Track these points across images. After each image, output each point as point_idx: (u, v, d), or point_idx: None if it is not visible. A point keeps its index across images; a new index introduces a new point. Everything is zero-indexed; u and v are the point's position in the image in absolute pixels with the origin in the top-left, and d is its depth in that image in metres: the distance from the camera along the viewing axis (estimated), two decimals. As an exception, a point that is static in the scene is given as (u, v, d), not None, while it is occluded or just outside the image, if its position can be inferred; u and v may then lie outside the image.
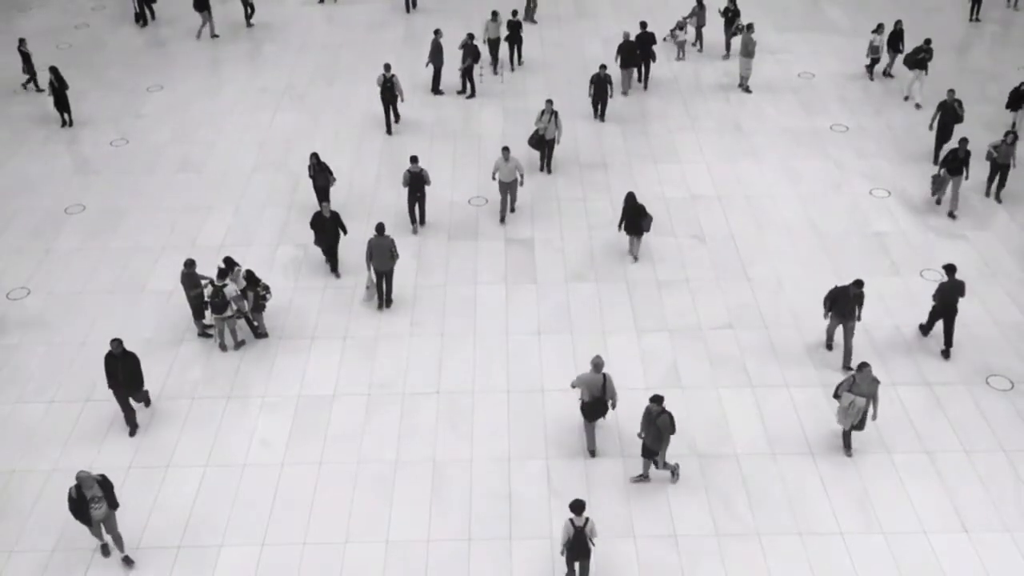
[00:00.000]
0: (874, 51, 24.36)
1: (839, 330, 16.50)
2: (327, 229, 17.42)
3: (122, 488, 13.87)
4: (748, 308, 17.18)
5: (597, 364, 13.84)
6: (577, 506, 11.77)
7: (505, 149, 18.61)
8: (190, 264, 16.03)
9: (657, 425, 13.02)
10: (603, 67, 22.11)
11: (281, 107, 23.98)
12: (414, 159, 18.62)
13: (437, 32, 23.76)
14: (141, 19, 28.35)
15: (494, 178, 19.02)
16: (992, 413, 14.98)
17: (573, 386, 14.06)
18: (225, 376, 15.86)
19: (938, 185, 19.32)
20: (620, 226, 18.13)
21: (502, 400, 15.31)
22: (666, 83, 24.88)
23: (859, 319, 15.60)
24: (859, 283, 15.21)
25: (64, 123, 23.13)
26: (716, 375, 15.75)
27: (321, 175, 19.03)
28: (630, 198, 17.90)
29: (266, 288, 16.44)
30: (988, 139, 21.48)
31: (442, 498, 13.70)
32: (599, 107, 22.86)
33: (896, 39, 24.44)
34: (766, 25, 27.90)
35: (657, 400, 13.01)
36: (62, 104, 22.93)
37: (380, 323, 16.89)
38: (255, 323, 16.51)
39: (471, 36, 23.75)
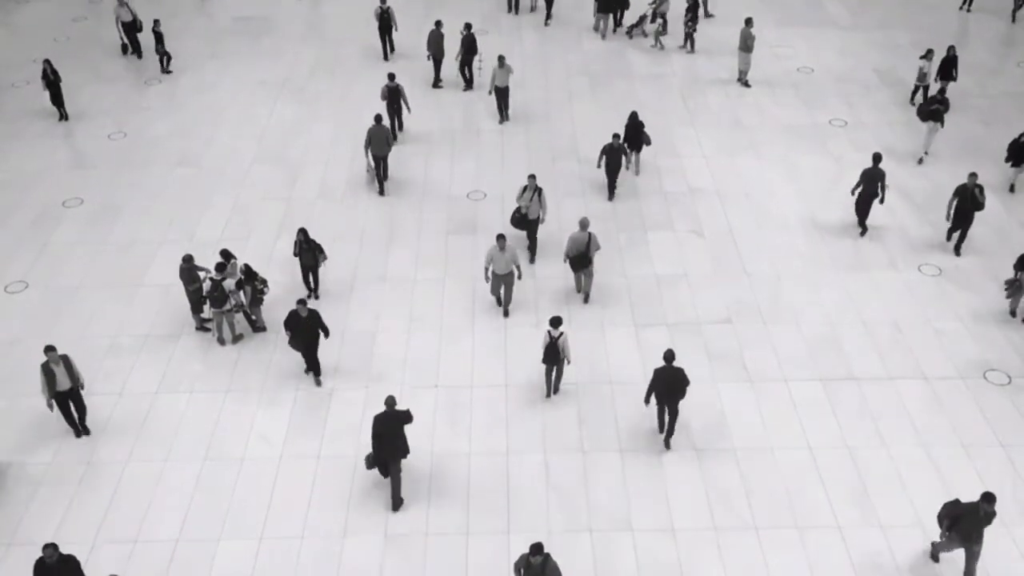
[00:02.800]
0: (922, 78, 22.56)
1: (958, 549, 12.47)
2: (304, 330, 14.98)
3: (120, 482, 13.89)
4: (746, 303, 17.18)
5: (583, 223, 16.38)
6: (555, 321, 14.42)
7: (500, 237, 15.96)
8: (189, 259, 16.02)
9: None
10: (616, 136, 19.42)
11: (280, 100, 23.94)
12: (391, 76, 21.44)
13: (438, 24, 23.75)
14: (129, 49, 26.00)
15: (487, 275, 16.40)
16: (990, 408, 15.00)
17: (566, 255, 16.52)
18: (223, 370, 15.85)
19: (1014, 291, 16.50)
20: (623, 143, 20.05)
21: (500, 394, 15.31)
22: (664, 77, 24.85)
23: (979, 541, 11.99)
24: (990, 498, 11.73)
25: (61, 117, 23.04)
26: (714, 370, 15.76)
27: (308, 253, 16.68)
28: (633, 116, 20.16)
29: (264, 282, 16.42)
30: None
31: (440, 492, 13.70)
32: (612, 182, 19.71)
33: (948, 67, 22.49)
34: (766, 20, 27.86)
35: (537, 549, 10.92)
36: (58, 98, 22.82)
37: (379, 317, 16.88)
38: (253, 317, 16.50)
39: (468, 26, 23.74)
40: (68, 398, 14.10)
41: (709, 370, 15.74)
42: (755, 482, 13.81)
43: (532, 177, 17.85)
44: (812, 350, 16.14)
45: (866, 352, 16.05)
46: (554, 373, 14.95)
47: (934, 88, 23.02)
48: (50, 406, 14.02)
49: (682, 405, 15.02)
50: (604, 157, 19.62)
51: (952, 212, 17.82)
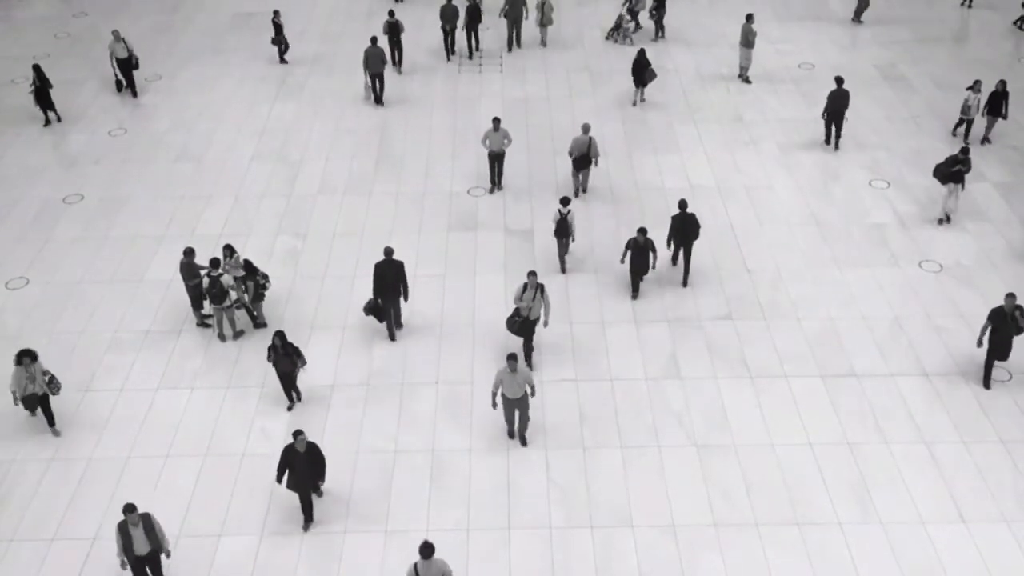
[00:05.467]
0: (966, 111, 20.72)
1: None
2: (303, 468, 12.57)
3: (121, 478, 13.90)
4: (747, 299, 17.18)
5: (585, 127, 18.56)
6: (564, 200, 16.80)
7: (511, 358, 13.56)
8: (189, 253, 16.01)
9: None
10: (642, 231, 16.35)
11: (280, 97, 23.93)
12: (391, 12, 23.96)
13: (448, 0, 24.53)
14: (123, 86, 24.11)
15: (494, 401, 14.01)
16: (990, 404, 14.99)
17: (571, 152, 18.81)
18: (224, 366, 15.86)
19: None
20: (631, 76, 22.59)
21: (501, 390, 15.32)
22: (666, 73, 24.81)
23: None
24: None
25: (47, 122, 22.61)
26: (715, 366, 15.76)
27: (285, 359, 14.35)
28: (641, 52, 22.30)
29: (265, 277, 16.42)
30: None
31: (441, 488, 13.72)
32: (635, 283, 17.07)
33: (998, 102, 20.62)
34: (767, 15, 27.82)
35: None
36: (45, 102, 22.42)
37: (379, 313, 16.89)
38: (254, 313, 16.50)
39: None
40: (146, 564, 11.86)
41: (710, 366, 15.74)
42: (755, 478, 13.82)
43: (532, 274, 15.12)
44: (813, 346, 16.14)
45: (867, 348, 16.05)
46: (565, 245, 17.13)
47: (978, 124, 21.66)
48: (123, 565, 11.76)
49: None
50: (628, 253, 16.77)
51: (986, 339, 15.05)
